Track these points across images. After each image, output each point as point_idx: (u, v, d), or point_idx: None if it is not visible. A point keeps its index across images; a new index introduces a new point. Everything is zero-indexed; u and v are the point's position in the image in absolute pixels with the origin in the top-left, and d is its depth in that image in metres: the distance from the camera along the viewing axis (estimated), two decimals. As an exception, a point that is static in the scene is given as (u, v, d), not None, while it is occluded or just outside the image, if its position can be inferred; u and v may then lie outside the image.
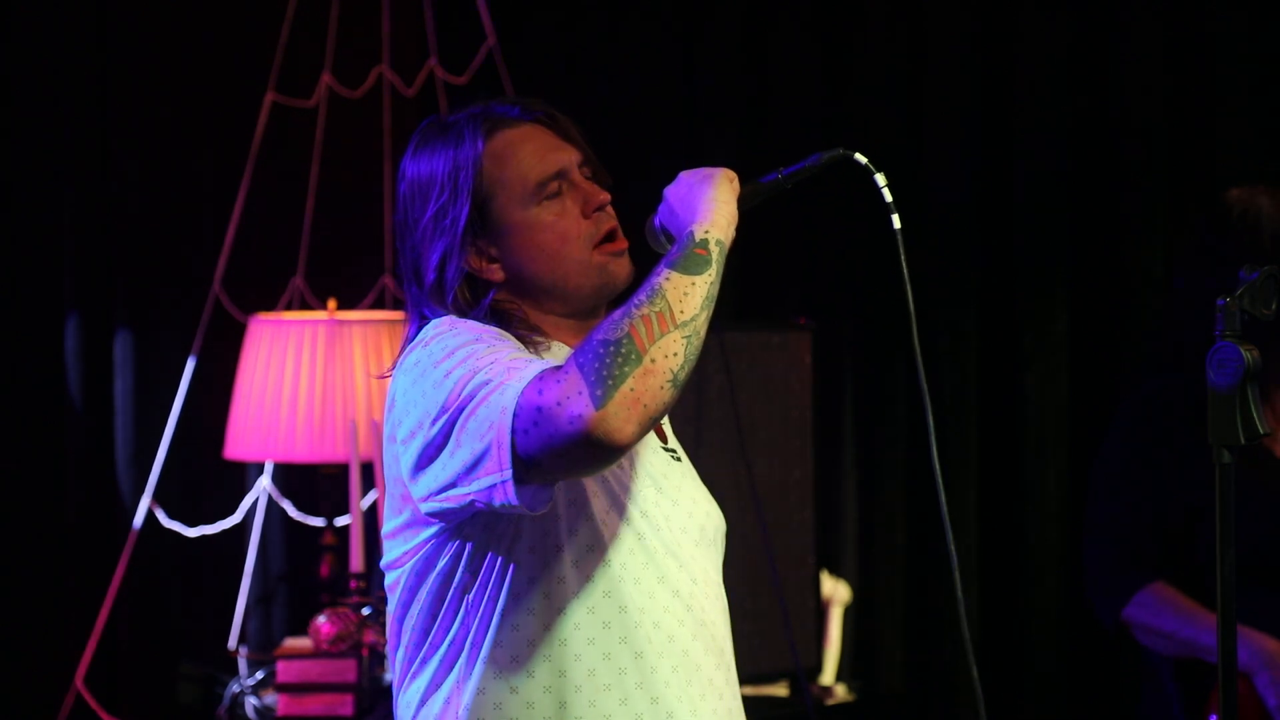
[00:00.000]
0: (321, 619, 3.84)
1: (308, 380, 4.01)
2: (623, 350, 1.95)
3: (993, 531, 4.42)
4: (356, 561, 3.83)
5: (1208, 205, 3.34)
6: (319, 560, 4.17)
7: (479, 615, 2.12)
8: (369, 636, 3.87)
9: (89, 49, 4.39)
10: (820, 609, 4.10)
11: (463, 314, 2.17)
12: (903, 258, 2.21)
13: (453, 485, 2.03)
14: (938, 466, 2.26)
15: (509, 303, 2.19)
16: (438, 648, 2.15)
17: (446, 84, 4.36)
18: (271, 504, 4.38)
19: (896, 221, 2.21)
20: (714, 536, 2.27)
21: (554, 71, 4.46)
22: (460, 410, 2.01)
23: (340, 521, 4.20)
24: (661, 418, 1.99)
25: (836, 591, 4.25)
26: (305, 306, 4.35)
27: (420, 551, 2.14)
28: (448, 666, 2.14)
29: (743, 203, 2.19)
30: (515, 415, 1.95)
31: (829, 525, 4.36)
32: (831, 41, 4.46)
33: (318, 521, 4.28)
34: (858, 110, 4.43)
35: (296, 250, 4.36)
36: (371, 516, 4.16)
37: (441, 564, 2.13)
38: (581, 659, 2.11)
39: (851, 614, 4.32)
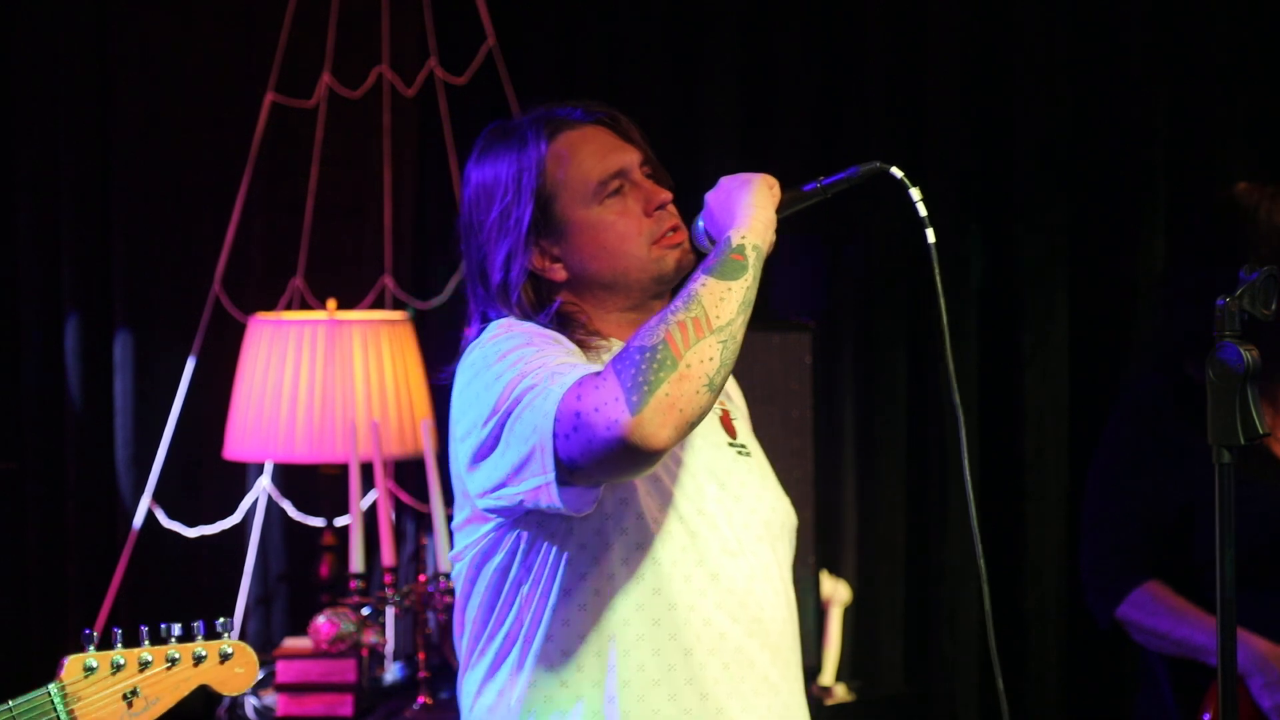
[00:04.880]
0: (321, 619, 3.84)
1: (307, 380, 4.01)
2: (658, 356, 1.99)
3: (993, 531, 4.42)
4: (356, 562, 3.83)
5: (1209, 198, 3.34)
6: (319, 560, 4.17)
7: (532, 609, 2.17)
8: (369, 637, 3.87)
9: (89, 49, 4.39)
10: (820, 609, 4.10)
11: (526, 315, 2.21)
12: (937, 272, 2.25)
13: (503, 485, 2.09)
14: (969, 480, 2.28)
15: (570, 304, 2.23)
16: (494, 638, 2.20)
17: (446, 84, 4.36)
18: (271, 504, 4.38)
19: (931, 236, 2.25)
20: (779, 531, 2.30)
21: (554, 72, 4.46)
22: (509, 413, 2.05)
23: (340, 522, 4.20)
24: (699, 421, 2.02)
25: (836, 591, 4.24)
26: (305, 306, 4.35)
27: (480, 544, 2.20)
28: (502, 657, 2.19)
29: (781, 209, 2.23)
30: (556, 420, 2.00)
31: (829, 525, 4.36)
32: (831, 38, 4.45)
33: (317, 522, 4.28)
34: (858, 108, 4.43)
35: (296, 250, 4.36)
36: (371, 517, 4.16)
37: (499, 558, 2.18)
38: (630, 654, 2.15)
39: (851, 614, 4.32)
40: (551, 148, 2.24)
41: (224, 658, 2.19)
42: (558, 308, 2.22)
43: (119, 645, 2.13)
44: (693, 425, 2.01)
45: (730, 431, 2.32)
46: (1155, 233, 4.35)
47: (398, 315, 4.22)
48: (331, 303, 4.20)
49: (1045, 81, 4.38)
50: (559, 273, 2.23)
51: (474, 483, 2.14)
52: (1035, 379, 4.39)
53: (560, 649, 2.16)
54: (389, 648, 4.20)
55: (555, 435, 2.00)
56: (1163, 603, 3.20)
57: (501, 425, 2.06)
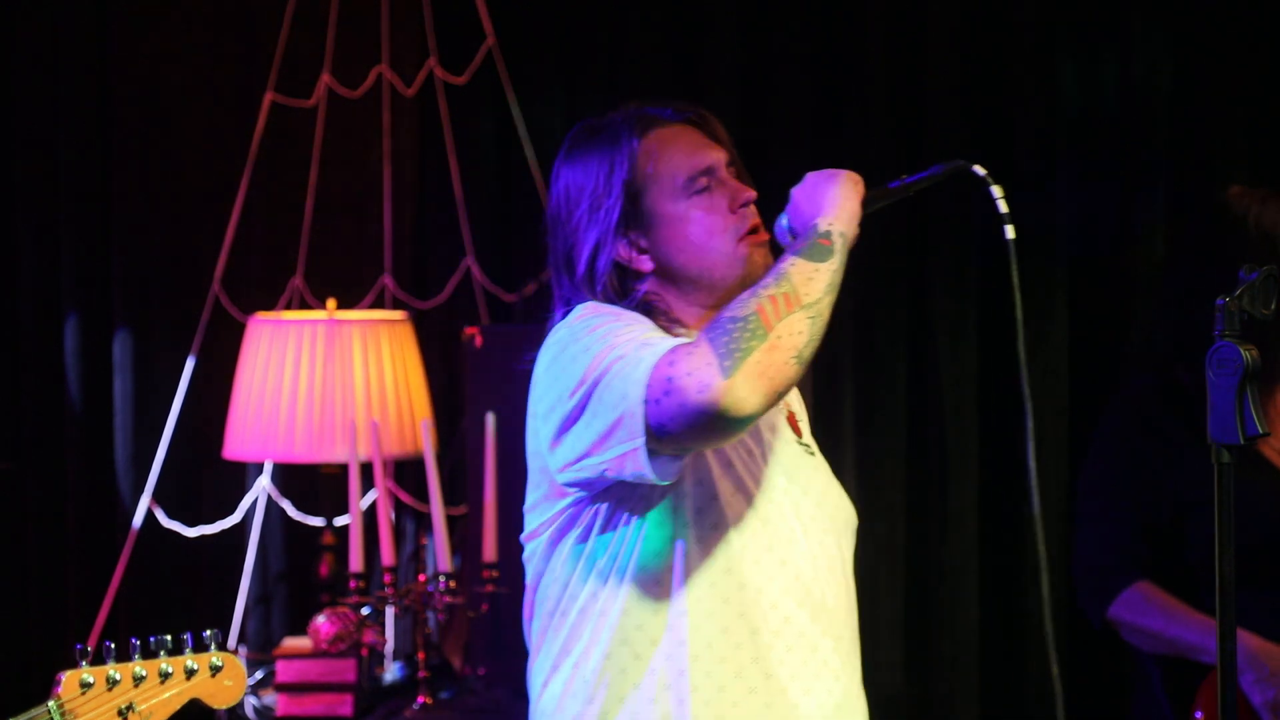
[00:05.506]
0: (321, 619, 3.84)
1: (307, 380, 4.01)
2: (750, 326, 2.08)
3: (992, 531, 4.42)
4: (356, 561, 3.83)
5: (1203, 201, 3.35)
6: (318, 560, 4.17)
7: (607, 584, 2.23)
8: (368, 636, 3.87)
9: (89, 49, 4.39)
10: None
11: (610, 302, 2.28)
12: (1014, 268, 2.36)
13: (587, 455, 2.15)
14: (1034, 478, 2.33)
15: (654, 294, 2.31)
16: (567, 614, 2.26)
17: (446, 84, 4.36)
18: (271, 504, 4.38)
19: (1010, 232, 2.37)
20: (843, 527, 2.41)
21: (554, 72, 4.46)
22: (597, 383, 2.12)
23: (339, 521, 4.20)
24: (786, 392, 2.11)
25: (836, 591, 4.24)
26: (304, 306, 4.35)
27: (556, 522, 2.26)
28: (578, 632, 2.25)
29: (866, 205, 2.32)
30: (648, 386, 2.07)
31: (829, 525, 4.35)
32: (831, 38, 4.45)
33: (317, 521, 4.28)
34: (858, 108, 4.43)
35: (296, 250, 4.36)
36: (371, 516, 4.16)
37: (575, 533, 2.24)
38: (700, 631, 2.22)
39: (851, 614, 4.31)
40: (643, 144, 2.32)
41: (214, 670, 2.20)
42: (642, 295, 2.30)
43: (112, 660, 2.13)
44: (780, 395, 2.09)
45: (795, 430, 2.41)
46: (1155, 232, 4.35)
47: (397, 315, 4.22)
48: (331, 302, 4.20)
49: (1045, 81, 4.38)
50: (645, 264, 2.31)
51: (557, 456, 2.20)
52: (1035, 379, 4.39)
53: (635, 623, 2.22)
54: (389, 647, 4.20)
55: (646, 401, 2.07)
56: (1154, 602, 3.21)
57: (589, 395, 2.13)
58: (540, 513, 2.29)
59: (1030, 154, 4.40)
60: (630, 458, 2.10)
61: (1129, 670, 3.45)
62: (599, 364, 2.13)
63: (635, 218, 2.30)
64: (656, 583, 2.22)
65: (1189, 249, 3.31)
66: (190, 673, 2.18)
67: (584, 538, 2.24)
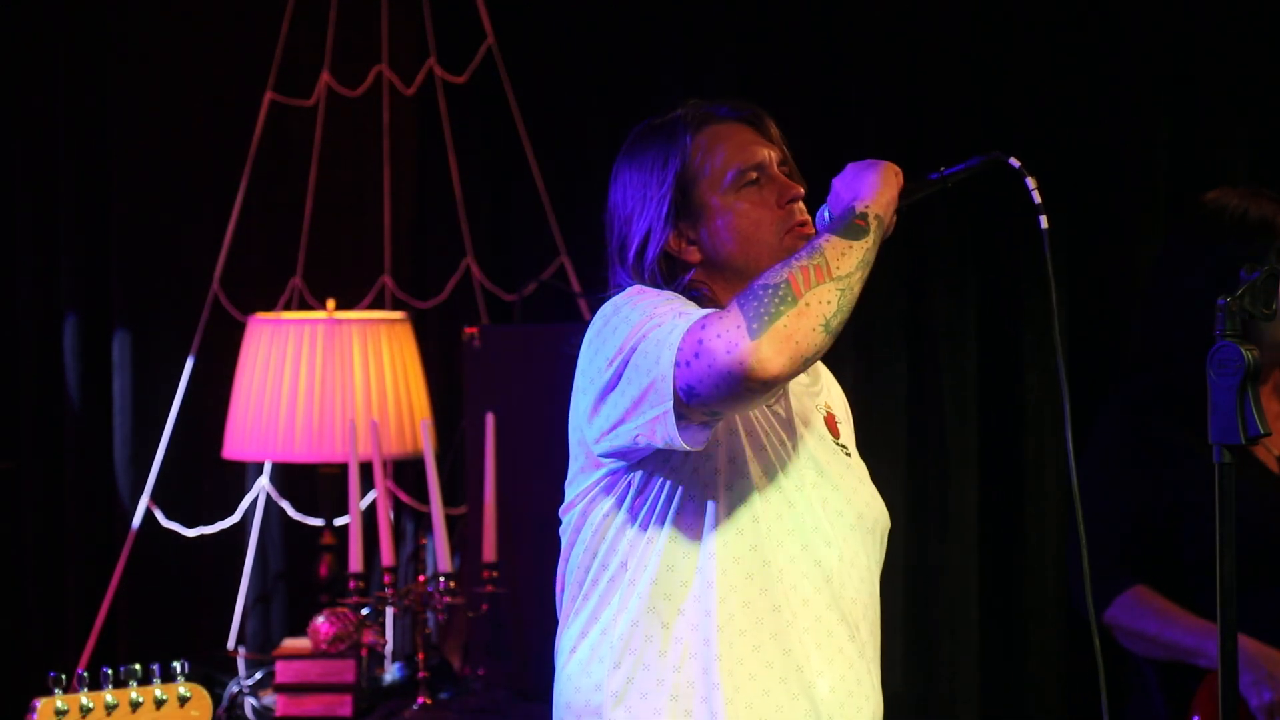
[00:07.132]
0: (320, 619, 3.83)
1: (306, 380, 4.01)
2: (780, 293, 2.16)
3: (992, 531, 4.42)
4: (355, 561, 3.82)
5: (1191, 202, 3.35)
6: (318, 560, 4.16)
7: (638, 553, 2.29)
8: (368, 637, 3.87)
9: (89, 48, 4.39)
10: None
11: (658, 287, 2.34)
12: (1048, 259, 2.45)
13: (622, 421, 2.21)
14: (1074, 470, 2.38)
15: (700, 283, 2.37)
16: (598, 583, 2.32)
17: (446, 83, 4.35)
18: (270, 504, 4.38)
19: (1044, 222, 2.47)
20: (871, 527, 2.42)
21: (553, 71, 4.46)
22: (634, 349, 2.19)
23: (339, 522, 4.20)
24: (813, 360, 2.19)
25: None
26: (304, 306, 4.34)
27: (590, 493, 2.32)
28: (607, 600, 2.31)
29: (904, 195, 2.39)
30: (679, 350, 2.14)
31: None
32: (831, 38, 4.45)
33: (316, 522, 4.28)
34: (858, 108, 4.43)
35: (295, 250, 4.36)
36: (370, 516, 4.15)
37: (608, 502, 2.31)
38: (725, 603, 2.27)
39: (851, 614, 4.31)
40: (696, 138, 2.40)
41: (182, 701, 2.23)
42: (687, 282, 2.36)
43: (85, 689, 2.16)
44: (807, 361, 2.16)
45: (834, 431, 2.48)
46: (1155, 233, 4.35)
47: (397, 315, 4.22)
48: (330, 302, 4.19)
49: (1045, 81, 4.38)
50: (693, 254, 2.37)
51: (594, 426, 2.26)
52: (1035, 379, 4.39)
53: (664, 593, 2.28)
54: (388, 648, 4.19)
55: (676, 364, 2.14)
56: (1150, 605, 3.21)
57: (625, 362, 2.20)
58: (577, 484, 2.35)
59: (1029, 154, 4.39)
60: (660, 422, 2.17)
61: (1125, 674, 3.44)
62: (636, 332, 2.20)
63: (685, 209, 2.37)
64: (684, 555, 2.28)
65: (1182, 248, 3.30)
66: (159, 703, 2.21)
67: (617, 506, 2.30)
